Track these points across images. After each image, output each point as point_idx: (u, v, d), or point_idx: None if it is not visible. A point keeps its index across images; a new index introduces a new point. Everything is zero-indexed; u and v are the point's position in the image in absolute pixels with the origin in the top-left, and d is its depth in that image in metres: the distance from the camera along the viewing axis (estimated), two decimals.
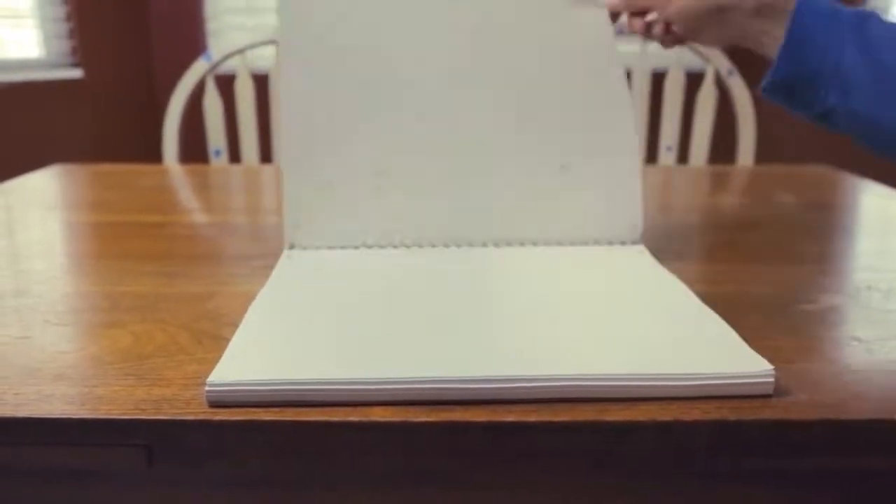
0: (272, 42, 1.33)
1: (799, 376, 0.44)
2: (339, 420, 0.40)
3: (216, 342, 0.49)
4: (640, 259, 0.64)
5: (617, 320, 0.50)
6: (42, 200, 0.94)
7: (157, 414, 0.40)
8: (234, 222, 0.83)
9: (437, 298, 0.55)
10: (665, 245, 0.70)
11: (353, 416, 0.40)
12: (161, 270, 0.65)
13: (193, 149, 1.47)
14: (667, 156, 1.34)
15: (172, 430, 0.40)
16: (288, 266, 0.62)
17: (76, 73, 2.13)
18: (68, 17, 2.17)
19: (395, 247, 0.66)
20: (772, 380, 0.42)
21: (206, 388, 0.40)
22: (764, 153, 1.34)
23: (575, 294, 0.55)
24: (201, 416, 0.40)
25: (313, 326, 0.49)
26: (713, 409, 0.40)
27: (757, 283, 0.61)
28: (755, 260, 0.68)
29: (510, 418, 0.40)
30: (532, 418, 0.40)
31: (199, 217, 0.84)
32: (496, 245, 0.67)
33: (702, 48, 1.29)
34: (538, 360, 0.44)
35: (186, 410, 0.40)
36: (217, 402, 0.41)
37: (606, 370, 0.42)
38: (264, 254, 0.68)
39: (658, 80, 1.30)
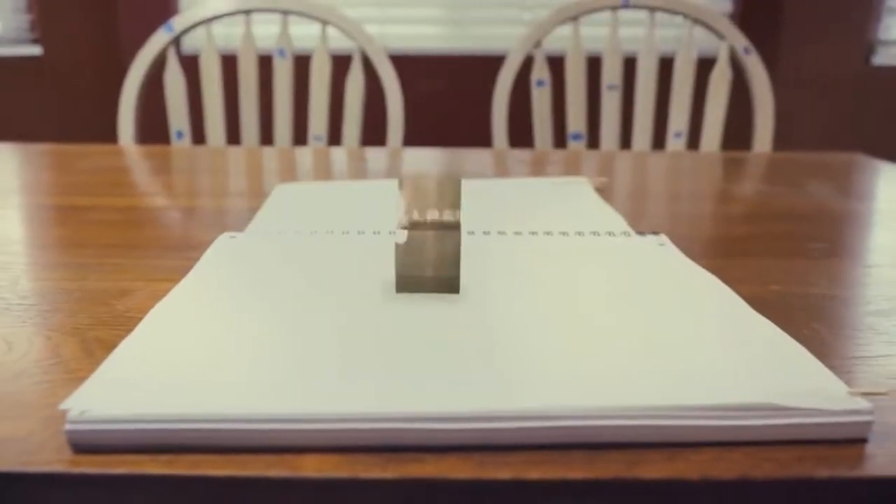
0: (241, 12, 1.20)
1: (891, 410, 0.32)
2: (256, 475, 0.27)
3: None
4: (663, 253, 0.52)
5: (642, 331, 0.38)
6: None
7: None
8: (178, 207, 0.70)
9: (406, 301, 0.43)
10: (689, 233, 0.59)
11: (277, 468, 0.28)
12: (73, 261, 0.52)
13: (156, 131, 1.34)
14: (675, 143, 1.22)
15: (13, 489, 0.27)
16: (221, 255, 0.50)
17: (35, 50, 1.98)
18: None
19: (361, 232, 0.54)
20: (870, 418, 0.30)
21: (67, 425, 0.28)
22: (781, 140, 1.22)
23: (587, 299, 0.43)
24: (56, 467, 0.27)
25: (234, 337, 0.36)
26: (793, 461, 0.28)
27: (807, 283, 0.49)
28: (801, 255, 0.56)
29: (505, 475, 0.27)
30: (534, 475, 0.27)
31: (137, 201, 0.72)
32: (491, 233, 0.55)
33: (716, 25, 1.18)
34: (541, 389, 0.31)
35: (36, 458, 0.28)
36: (82, 445, 0.28)
37: (637, 401, 0.30)
38: (206, 243, 0.55)
39: (667, 63, 1.18)
